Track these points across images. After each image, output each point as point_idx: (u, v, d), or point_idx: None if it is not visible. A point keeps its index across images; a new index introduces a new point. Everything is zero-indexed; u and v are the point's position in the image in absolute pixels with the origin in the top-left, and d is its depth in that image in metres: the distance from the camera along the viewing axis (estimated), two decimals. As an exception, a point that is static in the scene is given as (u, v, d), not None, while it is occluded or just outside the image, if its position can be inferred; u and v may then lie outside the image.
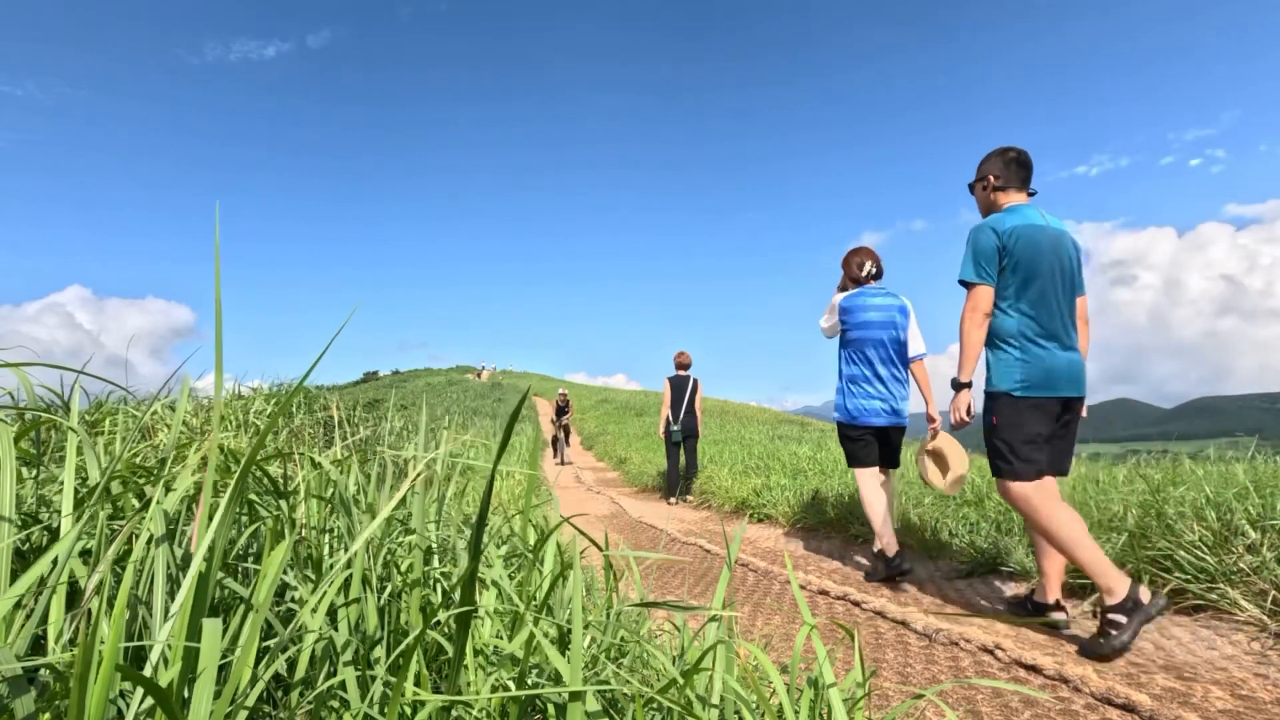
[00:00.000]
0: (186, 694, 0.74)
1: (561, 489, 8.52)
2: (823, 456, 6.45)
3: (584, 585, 1.61)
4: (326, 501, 1.34)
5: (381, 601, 1.12)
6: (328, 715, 0.93)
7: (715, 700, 0.99)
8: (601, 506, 6.87)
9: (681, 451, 7.15)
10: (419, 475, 1.10)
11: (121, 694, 0.79)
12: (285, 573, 1.10)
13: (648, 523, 5.58)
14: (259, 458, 1.23)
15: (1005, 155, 2.44)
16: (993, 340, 2.35)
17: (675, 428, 6.97)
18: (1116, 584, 2.00)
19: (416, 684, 0.97)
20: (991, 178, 2.47)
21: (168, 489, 1.01)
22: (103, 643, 0.80)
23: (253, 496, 1.30)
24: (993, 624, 2.37)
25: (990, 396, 2.34)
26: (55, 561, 0.83)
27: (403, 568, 1.25)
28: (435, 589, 1.31)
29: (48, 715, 0.71)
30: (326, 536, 1.30)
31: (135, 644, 0.80)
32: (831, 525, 4.39)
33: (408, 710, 0.92)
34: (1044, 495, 2.17)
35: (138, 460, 1.52)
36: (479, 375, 38.73)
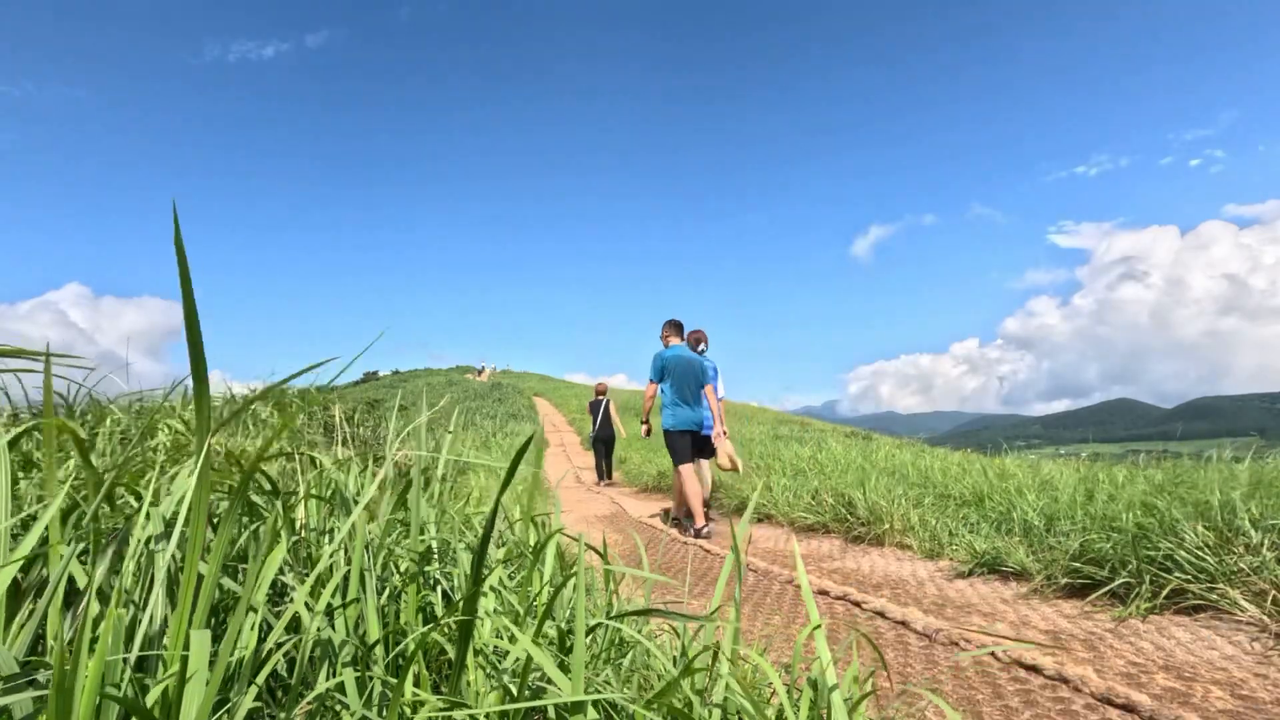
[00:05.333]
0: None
1: (561, 489, 8.52)
2: (823, 457, 6.44)
3: (585, 587, 1.61)
4: (326, 502, 1.34)
5: (381, 602, 1.12)
6: (327, 716, 0.93)
7: (717, 700, 0.99)
8: (601, 507, 6.87)
9: (603, 452, 9.86)
10: (416, 470, 1.10)
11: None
12: (284, 573, 1.10)
13: (648, 523, 5.58)
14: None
15: (672, 322, 5.13)
16: (665, 404, 4.97)
17: (595, 435, 9.80)
18: (698, 520, 4.69)
19: (416, 685, 0.97)
20: (665, 331, 5.14)
21: (166, 490, 1.01)
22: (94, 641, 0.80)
23: (253, 496, 1.30)
24: (993, 624, 2.37)
25: (665, 429, 5.02)
26: (57, 560, 0.83)
27: (402, 568, 1.25)
28: (435, 590, 1.31)
29: (46, 716, 0.71)
30: (326, 537, 1.30)
31: (136, 651, 0.80)
32: (831, 525, 4.39)
33: (408, 711, 0.92)
34: (688, 473, 4.85)
35: (137, 460, 1.52)
36: (479, 375, 38.62)
